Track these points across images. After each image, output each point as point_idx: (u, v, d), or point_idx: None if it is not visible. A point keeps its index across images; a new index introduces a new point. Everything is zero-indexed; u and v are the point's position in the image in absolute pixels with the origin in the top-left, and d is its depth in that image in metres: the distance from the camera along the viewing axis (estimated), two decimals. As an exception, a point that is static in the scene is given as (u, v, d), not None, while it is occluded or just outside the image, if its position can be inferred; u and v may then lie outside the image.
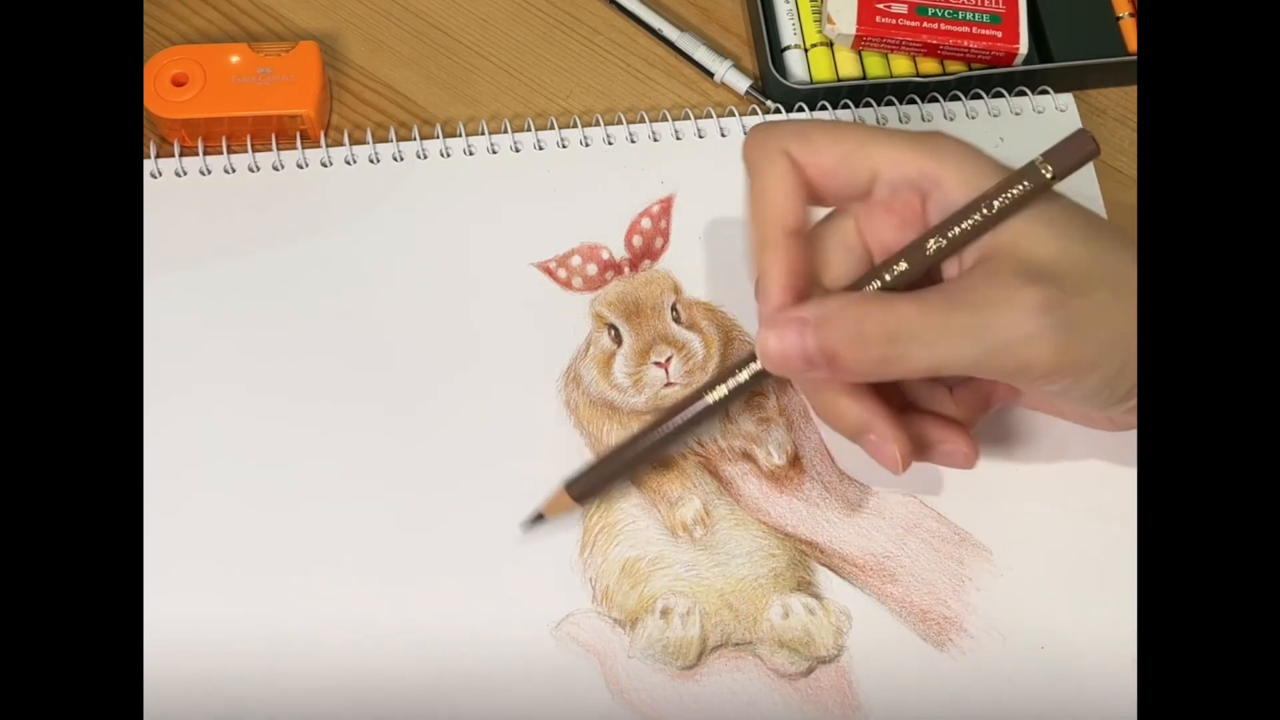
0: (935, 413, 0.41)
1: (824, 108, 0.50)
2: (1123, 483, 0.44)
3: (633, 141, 0.49)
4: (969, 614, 0.42)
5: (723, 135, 0.49)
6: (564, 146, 0.49)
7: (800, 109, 0.50)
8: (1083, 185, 0.49)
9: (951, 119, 0.50)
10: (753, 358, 0.39)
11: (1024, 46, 0.50)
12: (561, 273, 0.47)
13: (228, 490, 0.42)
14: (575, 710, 0.40)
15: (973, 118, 0.50)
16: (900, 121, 0.50)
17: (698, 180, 0.48)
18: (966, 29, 0.50)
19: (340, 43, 0.51)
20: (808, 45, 0.51)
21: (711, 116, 0.50)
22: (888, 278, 0.38)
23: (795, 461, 0.44)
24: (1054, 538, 0.43)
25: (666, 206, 0.48)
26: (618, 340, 0.45)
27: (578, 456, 0.43)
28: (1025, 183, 0.37)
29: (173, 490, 0.42)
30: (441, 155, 0.48)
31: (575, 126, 0.49)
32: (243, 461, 0.43)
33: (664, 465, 0.44)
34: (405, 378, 0.44)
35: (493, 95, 0.51)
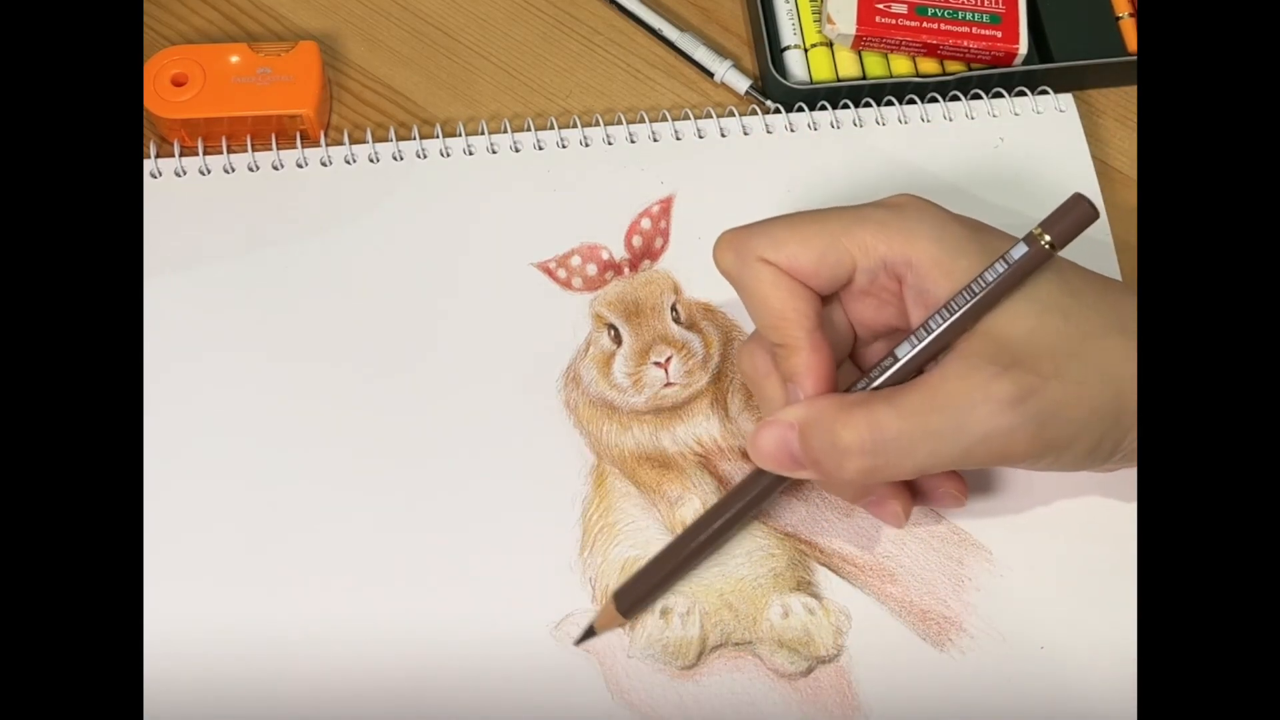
0: None
1: (824, 108, 0.50)
2: (1123, 483, 0.44)
3: (632, 141, 0.49)
4: (969, 614, 0.42)
5: (722, 135, 0.49)
6: (564, 146, 0.49)
7: (800, 109, 0.50)
8: (1083, 185, 0.49)
9: (951, 119, 0.50)
10: None
11: (1024, 46, 0.50)
12: (561, 273, 0.47)
13: (228, 491, 0.42)
14: (575, 710, 0.40)
15: (972, 118, 0.50)
16: (900, 122, 0.50)
17: (697, 180, 0.48)
18: (966, 29, 0.50)
19: (340, 42, 0.51)
20: (808, 45, 0.51)
21: (711, 117, 0.50)
22: (877, 380, 0.38)
23: (795, 461, 0.44)
24: (1054, 538, 0.43)
25: (666, 206, 0.48)
26: (617, 340, 0.45)
27: (578, 456, 0.43)
28: (1023, 254, 0.36)
29: (173, 491, 0.42)
30: (441, 155, 0.48)
31: (575, 126, 0.49)
32: (243, 462, 0.43)
33: (664, 465, 0.44)
34: (405, 378, 0.44)
35: (492, 95, 0.51)
